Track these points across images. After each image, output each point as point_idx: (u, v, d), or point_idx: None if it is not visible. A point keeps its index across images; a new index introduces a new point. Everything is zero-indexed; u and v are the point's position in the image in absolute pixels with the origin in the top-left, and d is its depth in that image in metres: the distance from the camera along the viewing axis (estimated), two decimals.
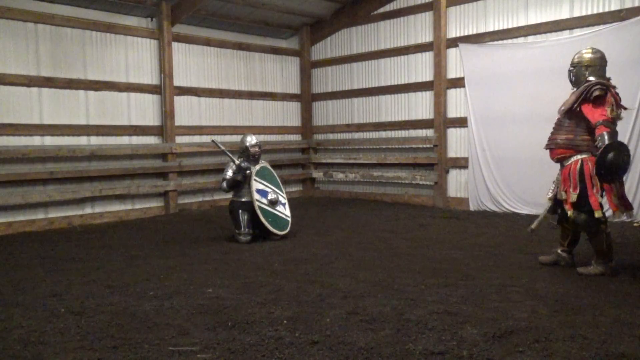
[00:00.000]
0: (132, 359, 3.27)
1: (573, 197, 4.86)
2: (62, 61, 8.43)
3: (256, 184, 6.86)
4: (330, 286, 4.72)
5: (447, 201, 9.69)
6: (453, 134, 9.62)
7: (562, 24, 8.26)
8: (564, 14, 8.27)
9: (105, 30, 8.87)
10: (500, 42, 8.90)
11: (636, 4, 7.60)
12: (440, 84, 9.59)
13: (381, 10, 10.55)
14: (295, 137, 11.93)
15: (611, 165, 4.61)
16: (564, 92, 8.03)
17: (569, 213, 4.94)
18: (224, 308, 4.17)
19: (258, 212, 6.73)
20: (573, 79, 5.05)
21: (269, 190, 7.01)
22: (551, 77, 8.02)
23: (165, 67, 9.47)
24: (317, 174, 11.73)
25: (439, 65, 9.58)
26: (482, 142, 9.07)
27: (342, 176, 11.26)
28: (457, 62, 9.46)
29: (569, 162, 4.94)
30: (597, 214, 4.78)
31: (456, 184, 9.66)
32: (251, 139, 7.10)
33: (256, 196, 6.78)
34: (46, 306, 4.31)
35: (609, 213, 5.22)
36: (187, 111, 9.96)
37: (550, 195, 5.24)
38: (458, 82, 9.43)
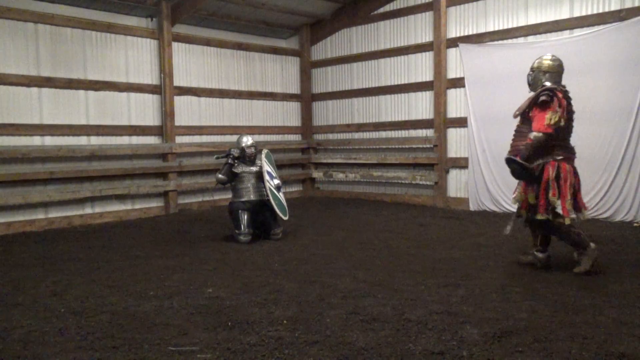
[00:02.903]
0: (132, 359, 3.27)
1: (531, 197, 5.00)
2: (62, 61, 8.43)
3: (266, 166, 6.92)
4: (330, 286, 4.72)
5: (447, 201, 9.69)
6: (453, 134, 9.62)
7: (562, 24, 8.26)
8: (564, 14, 8.28)
9: (105, 30, 8.87)
10: (500, 42, 8.90)
11: (636, 4, 7.60)
12: (440, 84, 9.59)
13: (381, 10, 10.55)
14: (295, 137, 11.93)
15: (512, 173, 5.06)
16: None
17: (522, 213, 5.17)
18: (224, 308, 4.17)
19: (269, 194, 6.77)
20: (531, 82, 5.23)
21: (274, 174, 7.07)
22: None
23: (165, 67, 9.48)
24: (317, 174, 11.73)
25: (439, 65, 9.58)
26: (482, 142, 9.07)
27: (342, 176, 11.26)
28: (457, 62, 9.46)
29: (532, 166, 5.01)
30: (540, 217, 4.93)
31: (456, 184, 9.65)
32: (247, 140, 7.11)
33: (267, 177, 6.81)
34: (46, 306, 4.31)
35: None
36: (187, 111, 9.96)
37: (515, 196, 5.35)
38: (458, 82, 9.43)
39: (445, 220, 8.34)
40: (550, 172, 4.88)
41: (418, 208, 9.64)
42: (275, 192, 6.94)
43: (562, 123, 4.87)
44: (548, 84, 5.03)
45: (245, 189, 6.94)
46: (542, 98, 4.90)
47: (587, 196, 7.92)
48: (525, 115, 5.08)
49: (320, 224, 8.19)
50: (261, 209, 6.90)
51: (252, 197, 6.91)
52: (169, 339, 3.57)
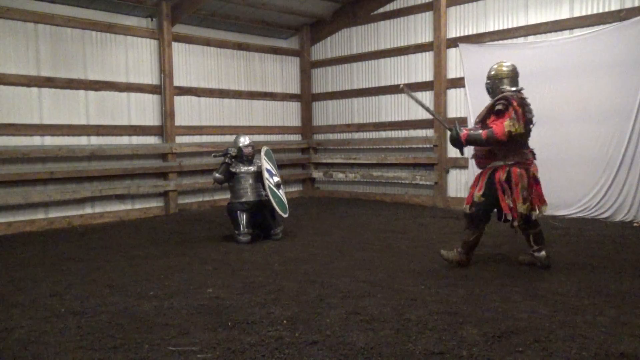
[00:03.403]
0: (132, 359, 3.27)
1: (477, 196, 5.24)
2: (62, 61, 8.43)
3: (266, 164, 6.91)
4: (330, 286, 4.72)
5: (447, 201, 9.69)
6: None
7: (562, 24, 8.26)
8: (564, 14, 8.28)
9: (105, 30, 8.87)
10: (500, 42, 8.90)
11: (636, 4, 7.60)
12: (440, 84, 9.59)
13: (381, 10, 10.55)
14: (295, 137, 11.93)
15: (450, 137, 5.34)
16: (563, 93, 8.05)
17: (465, 207, 5.42)
18: (224, 308, 4.17)
19: (268, 192, 6.75)
20: (490, 90, 5.38)
21: (274, 172, 7.06)
22: (551, 77, 8.03)
23: (165, 67, 9.48)
24: (317, 174, 11.73)
25: (439, 65, 9.58)
26: None
27: (342, 176, 11.26)
28: (457, 62, 9.45)
29: (485, 168, 5.25)
30: (509, 217, 5.14)
31: (456, 184, 9.65)
32: (244, 140, 7.10)
33: (266, 175, 6.81)
34: (46, 306, 4.31)
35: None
36: (187, 111, 9.96)
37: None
38: (458, 82, 9.43)
39: (445, 220, 8.34)
40: (501, 175, 5.09)
41: (418, 208, 9.64)
42: (275, 189, 6.93)
43: (522, 131, 5.00)
44: (507, 88, 5.19)
45: (243, 189, 6.93)
46: (498, 107, 5.08)
47: (587, 196, 7.94)
48: (484, 122, 5.24)
49: (320, 224, 8.19)
50: (260, 209, 6.90)
51: (250, 197, 6.91)
52: (169, 339, 3.57)
